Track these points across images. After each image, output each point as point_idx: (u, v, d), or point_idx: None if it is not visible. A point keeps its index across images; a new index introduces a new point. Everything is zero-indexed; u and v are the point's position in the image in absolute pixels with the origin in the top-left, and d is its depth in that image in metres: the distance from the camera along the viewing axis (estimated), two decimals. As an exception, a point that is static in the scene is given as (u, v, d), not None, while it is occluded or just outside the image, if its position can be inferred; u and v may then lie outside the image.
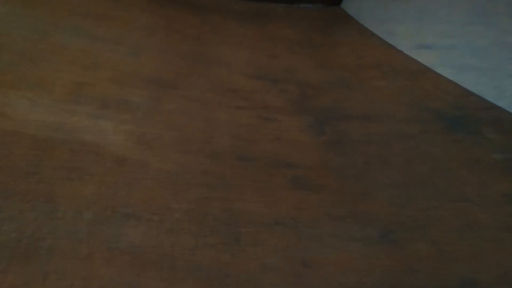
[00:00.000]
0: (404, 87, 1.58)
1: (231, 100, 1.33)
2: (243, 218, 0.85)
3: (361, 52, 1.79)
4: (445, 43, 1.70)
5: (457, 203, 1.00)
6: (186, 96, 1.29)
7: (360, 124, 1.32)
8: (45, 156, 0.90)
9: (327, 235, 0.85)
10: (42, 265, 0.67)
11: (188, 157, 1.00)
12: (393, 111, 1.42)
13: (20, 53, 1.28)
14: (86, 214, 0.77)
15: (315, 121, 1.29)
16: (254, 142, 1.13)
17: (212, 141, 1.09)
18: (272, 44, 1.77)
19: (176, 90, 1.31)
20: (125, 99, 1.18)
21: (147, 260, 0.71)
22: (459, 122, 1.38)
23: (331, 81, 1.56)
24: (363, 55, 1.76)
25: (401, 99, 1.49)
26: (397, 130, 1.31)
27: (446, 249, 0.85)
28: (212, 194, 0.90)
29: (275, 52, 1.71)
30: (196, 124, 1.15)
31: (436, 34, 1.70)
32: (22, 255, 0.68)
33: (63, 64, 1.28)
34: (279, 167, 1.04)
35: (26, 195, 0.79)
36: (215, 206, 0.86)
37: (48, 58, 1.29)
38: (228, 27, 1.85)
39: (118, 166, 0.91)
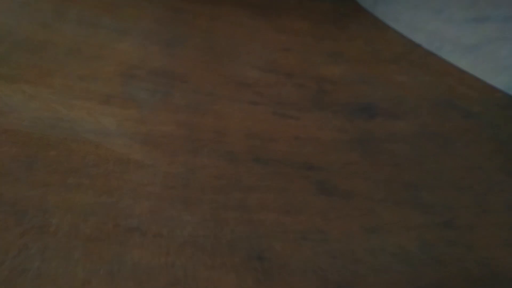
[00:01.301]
0: (426, 83, 1.42)
1: (244, 95, 1.18)
2: (266, 231, 0.70)
3: (378, 45, 1.63)
4: (466, 38, 1.54)
5: (500, 213, 0.86)
6: (197, 90, 1.13)
7: (385, 122, 1.16)
8: (38, 157, 0.75)
9: (362, 251, 0.70)
10: (27, 295, 0.53)
11: (200, 159, 0.85)
12: (418, 108, 1.26)
13: (17, 43, 1.13)
14: (83, 228, 0.63)
15: (335, 118, 1.14)
16: (272, 142, 0.98)
17: (226, 140, 0.94)
18: (285, 36, 1.61)
19: (186, 84, 1.16)
20: (130, 94, 1.03)
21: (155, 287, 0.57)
22: (489, 120, 1.23)
23: (349, 75, 1.40)
24: (380, 49, 1.60)
25: (424, 95, 1.34)
26: (425, 129, 1.15)
27: None
28: (228, 202, 0.75)
29: (288, 45, 1.55)
30: (208, 121, 1.00)
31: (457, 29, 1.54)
32: (3, 281, 0.53)
33: (63, 55, 1.13)
34: (301, 170, 0.89)
35: (13, 204, 0.64)
36: (232, 217, 0.71)
37: (47, 48, 1.14)
38: (238, 19, 1.69)
39: (121, 170, 0.76)
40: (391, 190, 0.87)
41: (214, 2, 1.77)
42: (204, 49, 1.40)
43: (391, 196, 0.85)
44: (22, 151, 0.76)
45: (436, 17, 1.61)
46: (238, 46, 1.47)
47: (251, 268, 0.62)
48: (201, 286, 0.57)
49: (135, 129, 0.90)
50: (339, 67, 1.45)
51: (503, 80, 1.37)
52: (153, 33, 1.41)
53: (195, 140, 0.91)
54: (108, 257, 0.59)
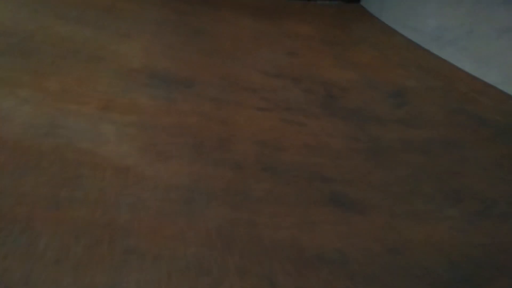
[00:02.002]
0: (436, 88, 1.34)
1: (250, 101, 1.09)
2: (277, 251, 0.61)
3: (386, 50, 1.55)
4: (477, 42, 1.46)
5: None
6: (201, 95, 1.05)
7: (397, 129, 1.08)
8: (28, 167, 0.67)
9: (384, 274, 0.61)
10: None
11: (206, 169, 0.77)
12: (430, 115, 1.18)
13: (13, 45, 1.05)
14: (74, 249, 0.54)
15: (346, 125, 1.06)
16: (281, 150, 0.90)
17: (233, 148, 0.86)
18: (291, 40, 1.53)
19: (190, 88, 1.07)
20: (130, 98, 0.94)
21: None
22: (504, 128, 1.15)
23: (358, 80, 1.32)
24: (388, 54, 1.52)
25: (435, 101, 1.26)
26: (439, 137, 1.07)
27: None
28: (236, 217, 0.66)
29: (294, 49, 1.47)
30: (214, 128, 0.92)
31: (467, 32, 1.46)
32: (-22, 316, 0.45)
33: (61, 58, 1.04)
34: (313, 181, 0.81)
35: (-3, 222, 0.56)
36: (241, 234, 0.62)
37: (45, 50, 1.06)
38: (243, 22, 1.61)
39: (119, 182, 0.68)
40: (411, 203, 0.78)
41: (218, 5, 1.69)
42: (208, 52, 1.32)
43: (412, 210, 0.76)
44: (10, 161, 0.67)
45: (443, 22, 1.53)
46: (243, 49, 1.39)
47: (263, 295, 0.54)
48: (207, 320, 0.49)
49: (136, 136, 0.82)
50: (347, 72, 1.37)
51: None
52: (155, 35, 1.33)
53: (200, 148, 0.83)
54: (102, 283, 0.50)
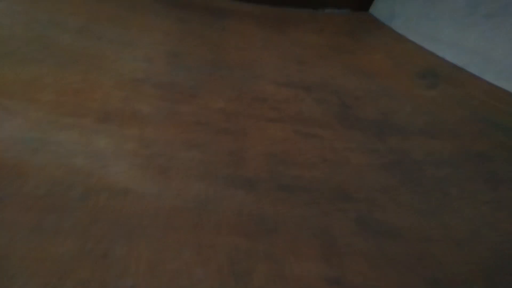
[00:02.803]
0: (455, 97, 1.23)
1: (260, 111, 0.99)
2: (302, 290, 0.50)
3: (399, 58, 1.44)
4: (493, 50, 1.35)
5: None
6: (208, 106, 0.95)
7: (420, 141, 0.97)
8: (11, 190, 0.56)
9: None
10: None
11: (215, 188, 0.66)
12: (452, 125, 1.07)
13: (7, 54, 0.95)
14: (57, 295, 0.43)
15: (365, 137, 0.94)
16: (297, 165, 0.78)
17: (244, 164, 0.75)
18: (300, 49, 1.43)
19: (195, 98, 0.97)
20: (131, 109, 0.84)
21: None
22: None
23: (372, 89, 1.21)
24: (402, 62, 1.42)
25: (456, 110, 1.15)
26: (465, 148, 0.96)
27: None
28: (252, 248, 0.55)
29: (304, 58, 1.37)
30: (222, 141, 0.81)
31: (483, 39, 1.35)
32: None
33: (58, 67, 0.94)
34: (335, 201, 0.69)
35: (-35, 259, 0.45)
36: (259, 271, 0.51)
37: (41, 59, 0.96)
38: (249, 31, 1.51)
39: (116, 205, 0.56)
40: (447, 226, 0.67)
41: (224, 14, 1.60)
42: (214, 61, 1.22)
43: (449, 235, 0.65)
44: (-9, 182, 0.57)
45: (459, 28, 1.43)
46: (250, 58, 1.29)
47: None
48: None
49: (136, 152, 0.71)
50: (360, 80, 1.26)
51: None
52: (159, 44, 1.23)
53: (207, 165, 0.72)
54: None
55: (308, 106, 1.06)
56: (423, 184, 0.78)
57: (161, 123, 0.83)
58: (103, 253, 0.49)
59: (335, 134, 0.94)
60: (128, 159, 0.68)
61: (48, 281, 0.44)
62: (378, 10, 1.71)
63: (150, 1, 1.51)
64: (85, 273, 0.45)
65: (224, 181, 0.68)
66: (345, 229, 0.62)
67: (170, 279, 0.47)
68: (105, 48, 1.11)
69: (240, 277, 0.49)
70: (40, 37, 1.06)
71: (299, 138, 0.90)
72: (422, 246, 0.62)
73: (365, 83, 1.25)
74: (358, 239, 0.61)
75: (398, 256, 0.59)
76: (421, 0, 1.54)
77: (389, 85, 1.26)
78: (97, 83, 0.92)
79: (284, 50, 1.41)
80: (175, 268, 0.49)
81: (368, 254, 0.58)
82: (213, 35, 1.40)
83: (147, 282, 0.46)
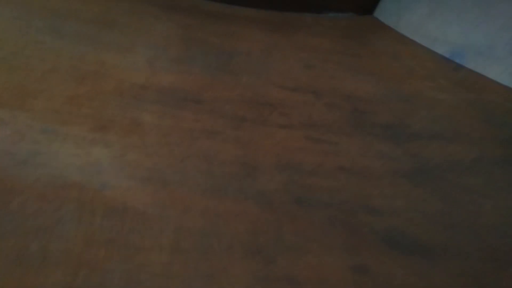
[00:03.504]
0: (469, 100, 1.15)
1: (269, 117, 0.91)
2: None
3: (408, 61, 1.37)
4: (501, 50, 1.28)
5: None
6: (213, 112, 0.87)
7: (438, 146, 0.89)
8: (-6, 210, 0.48)
9: None
10: None
11: (225, 204, 0.57)
12: (471, 129, 0.99)
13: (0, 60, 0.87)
14: None
15: (381, 143, 0.86)
16: (313, 175, 0.70)
17: (255, 175, 0.66)
18: (305, 53, 1.36)
19: (200, 105, 0.89)
20: (132, 117, 0.76)
21: None
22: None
23: (383, 93, 1.14)
24: (411, 65, 1.34)
25: (472, 113, 1.07)
26: (488, 154, 0.88)
27: None
28: (270, 274, 0.47)
29: (311, 62, 1.29)
30: (230, 150, 0.73)
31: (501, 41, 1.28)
32: None
33: (53, 73, 0.86)
34: (358, 214, 0.61)
35: None
36: (281, 302, 0.43)
37: (34, 65, 0.88)
38: (253, 36, 1.44)
39: (112, 226, 0.48)
40: (487, 243, 0.58)
41: (226, 19, 1.53)
42: (219, 66, 1.14)
43: (490, 253, 0.56)
44: (-30, 201, 0.48)
45: (468, 30, 1.36)
46: (256, 63, 1.21)
47: None
48: None
49: (137, 164, 0.63)
50: (370, 84, 1.18)
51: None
52: (161, 50, 1.15)
53: (216, 177, 0.63)
54: None
55: (319, 111, 0.98)
56: (450, 194, 0.70)
57: (164, 131, 0.75)
58: (98, 283, 0.40)
59: (349, 140, 0.86)
60: (128, 172, 0.60)
61: (30, 324, 0.35)
62: (383, 13, 1.65)
63: (150, 6, 1.44)
64: (75, 312, 0.37)
65: (235, 195, 0.60)
66: (373, 248, 0.54)
67: (177, 317, 0.39)
68: (103, 53, 1.03)
69: (261, 312, 0.41)
70: (35, 42, 0.98)
71: (312, 145, 0.82)
72: (464, 267, 0.54)
73: (376, 86, 1.17)
74: (389, 259, 0.52)
75: (438, 279, 0.50)
76: (427, 3, 1.47)
77: (400, 89, 1.18)
78: (95, 89, 0.84)
79: (290, 54, 1.33)
80: (183, 302, 0.41)
81: (403, 276, 0.49)
82: (216, 40, 1.32)
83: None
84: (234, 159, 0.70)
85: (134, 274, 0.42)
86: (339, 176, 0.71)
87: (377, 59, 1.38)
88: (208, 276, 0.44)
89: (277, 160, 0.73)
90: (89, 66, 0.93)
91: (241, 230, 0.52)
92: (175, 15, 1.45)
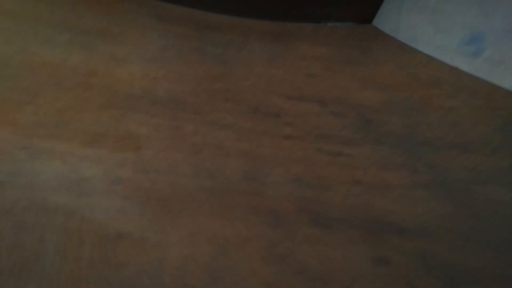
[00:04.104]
0: (480, 107, 1.08)
1: (274, 127, 0.83)
2: None
3: (411, 69, 1.31)
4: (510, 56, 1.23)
5: None
6: (215, 123, 0.79)
7: (455, 156, 0.81)
8: (-40, 242, 0.39)
9: None
10: None
11: (233, 226, 0.49)
12: (487, 138, 0.92)
13: (-18, 70, 0.79)
14: None
15: (396, 153, 0.79)
16: (327, 190, 0.62)
17: (265, 192, 0.58)
18: (307, 62, 1.29)
19: (199, 115, 0.81)
20: (126, 129, 0.68)
21: None
22: None
23: (390, 101, 1.07)
24: (414, 72, 1.28)
25: (486, 121, 1.00)
26: (509, 163, 0.81)
27: None
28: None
29: (313, 71, 1.22)
30: (235, 164, 0.65)
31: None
32: None
33: (42, 85, 0.78)
34: (384, 235, 0.53)
35: None
36: None
37: (22, 76, 0.80)
38: (252, 46, 1.37)
39: (102, 257, 0.40)
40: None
41: (224, 29, 1.46)
42: (218, 76, 1.06)
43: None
44: None
45: (470, 35, 1.30)
46: (256, 72, 1.14)
47: None
48: None
49: (132, 182, 0.54)
50: (376, 92, 1.12)
51: None
52: (158, 59, 1.08)
53: (221, 195, 0.55)
54: None
55: (326, 120, 0.91)
56: (480, 209, 0.63)
57: (162, 145, 0.67)
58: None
59: (362, 151, 0.78)
60: (122, 192, 0.51)
61: None
62: (382, 22, 1.60)
63: (145, 17, 1.37)
64: None
65: (244, 215, 0.51)
66: (413, 277, 0.46)
67: None
68: (96, 64, 0.95)
69: None
70: (23, 53, 0.90)
71: (322, 157, 0.74)
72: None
73: (381, 95, 1.11)
74: (427, 289, 0.44)
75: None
76: (428, 10, 1.42)
77: (406, 96, 1.11)
78: (86, 100, 0.75)
79: (290, 63, 1.26)
80: None
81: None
82: (215, 50, 1.25)
83: None
84: (240, 174, 0.62)
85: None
86: (356, 191, 0.64)
87: (380, 67, 1.32)
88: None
89: (287, 174, 0.65)
90: (81, 77, 0.85)
91: (255, 259, 0.44)
92: (171, 26, 1.38)
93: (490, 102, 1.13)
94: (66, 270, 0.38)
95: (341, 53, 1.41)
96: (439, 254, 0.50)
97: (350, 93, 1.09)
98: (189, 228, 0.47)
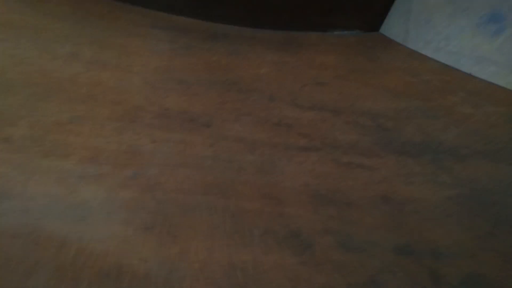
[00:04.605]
0: (499, 114, 1.01)
1: (288, 139, 0.76)
2: None
3: (422, 76, 1.24)
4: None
5: None
6: (225, 136, 0.72)
7: (482, 165, 0.74)
8: None
9: None
10: None
11: (254, 253, 0.42)
12: (510, 146, 0.85)
13: (-23, 83, 0.73)
14: None
15: (420, 164, 0.72)
16: (353, 208, 0.55)
17: (284, 210, 0.51)
18: (315, 70, 1.23)
19: (208, 128, 0.74)
20: (130, 144, 0.61)
21: None
22: None
23: (405, 109, 1.00)
24: (426, 79, 1.22)
25: (508, 129, 0.93)
26: (542, 173, 0.73)
27: None
28: None
29: (322, 79, 1.16)
30: (250, 181, 0.58)
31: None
32: None
33: (39, 97, 0.72)
34: (423, 260, 0.45)
35: None
36: None
37: (18, 88, 0.73)
38: (259, 55, 1.31)
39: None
40: None
41: (231, 39, 1.41)
42: (226, 85, 1.00)
43: None
44: None
45: (484, 43, 1.24)
46: (266, 81, 1.08)
47: None
48: None
49: (137, 203, 0.47)
50: (389, 100, 1.05)
51: None
52: (162, 70, 1.02)
53: (237, 217, 0.48)
54: None
55: (341, 130, 0.84)
56: (521, 224, 0.55)
57: (168, 160, 0.60)
58: None
59: (384, 163, 0.71)
60: (124, 216, 0.44)
61: None
62: (389, 29, 1.54)
63: (149, 28, 1.32)
64: None
65: (263, 241, 0.44)
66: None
67: None
68: (99, 74, 0.89)
69: None
70: (21, 64, 0.84)
71: (342, 169, 0.67)
72: None
73: (395, 102, 1.04)
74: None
75: None
76: (438, 16, 1.36)
77: (421, 104, 1.04)
78: (87, 113, 0.69)
79: (299, 71, 1.20)
80: None
81: None
82: (222, 59, 1.19)
83: None
84: (256, 191, 0.55)
85: None
86: (384, 208, 0.56)
87: (391, 75, 1.25)
88: None
89: (306, 189, 0.58)
90: (81, 88, 0.78)
91: (280, 294, 0.37)
92: (177, 37, 1.32)
93: (508, 108, 1.06)
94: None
95: (350, 61, 1.35)
96: (483, 274, 0.42)
97: (363, 101, 1.02)
98: (201, 258, 0.39)
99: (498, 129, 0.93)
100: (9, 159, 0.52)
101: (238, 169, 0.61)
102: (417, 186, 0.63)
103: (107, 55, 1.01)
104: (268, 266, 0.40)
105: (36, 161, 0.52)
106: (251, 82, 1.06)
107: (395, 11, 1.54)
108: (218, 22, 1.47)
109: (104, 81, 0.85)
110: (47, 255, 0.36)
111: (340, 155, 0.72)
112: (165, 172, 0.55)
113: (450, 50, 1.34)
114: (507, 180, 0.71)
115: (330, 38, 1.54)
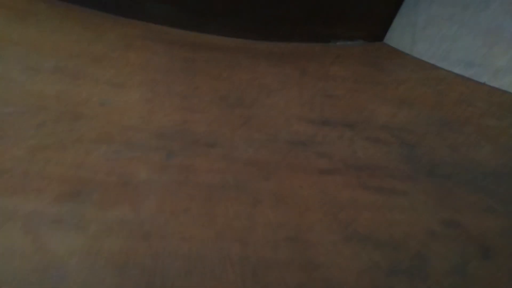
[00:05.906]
0: (526, 125, 0.91)
1: (305, 160, 0.64)
2: None
3: (436, 86, 1.13)
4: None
5: None
6: (233, 157, 0.60)
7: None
8: None
9: None
10: None
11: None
12: (551, 160, 0.73)
13: None
14: None
15: (461, 188, 0.60)
16: (396, 249, 0.43)
17: (312, 257, 0.39)
18: (323, 82, 1.12)
19: (213, 148, 0.62)
20: (121, 173, 0.49)
21: None
22: None
23: (425, 122, 0.89)
24: (440, 90, 1.11)
25: (540, 141, 0.82)
26: None
27: None
28: None
29: (331, 91, 1.05)
30: (267, 216, 0.45)
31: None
32: None
33: (16, 119, 0.59)
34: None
35: None
36: None
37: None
38: (262, 67, 1.20)
39: None
40: None
41: (231, 51, 1.30)
42: (230, 100, 0.88)
43: None
44: None
45: (495, 50, 1.14)
46: (271, 95, 0.96)
47: None
48: None
49: (127, 256, 0.35)
50: (406, 112, 0.94)
51: None
52: (160, 84, 0.90)
53: (255, 265, 0.35)
54: None
55: (362, 148, 0.72)
56: None
57: (167, 191, 0.47)
58: None
59: (420, 187, 0.59)
60: (110, 279, 0.32)
61: None
62: (394, 38, 1.44)
63: (145, 41, 1.20)
64: None
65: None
66: None
67: None
68: (87, 91, 0.77)
69: None
70: (11, 82, 0.72)
71: (373, 196, 0.55)
72: None
73: (412, 115, 0.93)
74: None
75: None
76: (446, 24, 1.27)
77: (440, 116, 0.93)
78: (71, 135, 0.57)
79: (306, 84, 1.09)
80: None
81: None
82: (223, 72, 1.08)
83: None
84: (276, 230, 0.43)
85: None
86: (434, 246, 0.44)
87: (402, 86, 1.14)
88: None
89: (337, 226, 0.46)
90: (66, 106, 0.66)
91: None
92: (174, 49, 1.21)
93: (535, 119, 0.95)
94: None
95: (358, 72, 1.24)
96: None
97: (378, 114, 0.91)
98: None
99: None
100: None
101: (252, 200, 0.48)
102: (469, 218, 0.51)
103: (97, 70, 0.90)
104: None
105: (16, 193, 0.39)
106: (257, 96, 0.94)
107: (400, 20, 1.44)
108: (218, 35, 1.36)
109: (93, 98, 0.73)
110: None
111: (366, 179, 0.60)
112: (163, 209, 0.43)
113: (461, 59, 1.24)
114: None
115: (334, 49, 1.43)
